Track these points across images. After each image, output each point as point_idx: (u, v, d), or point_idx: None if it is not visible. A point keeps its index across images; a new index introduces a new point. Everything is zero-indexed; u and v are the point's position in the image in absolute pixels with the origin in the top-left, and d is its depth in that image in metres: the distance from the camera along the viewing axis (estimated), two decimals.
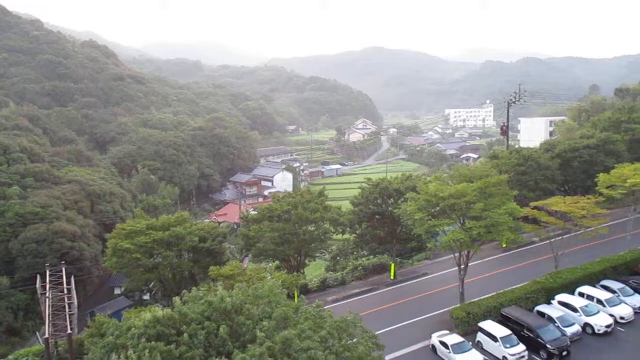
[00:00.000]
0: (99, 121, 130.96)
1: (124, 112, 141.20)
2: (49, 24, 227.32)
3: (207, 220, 73.33)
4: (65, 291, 29.77)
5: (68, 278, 31.92)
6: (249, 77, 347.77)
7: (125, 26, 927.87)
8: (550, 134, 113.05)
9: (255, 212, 44.27)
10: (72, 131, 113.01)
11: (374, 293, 39.32)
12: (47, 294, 29.05)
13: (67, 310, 27.50)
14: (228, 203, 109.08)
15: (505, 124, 68.57)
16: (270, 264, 45.11)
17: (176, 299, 19.25)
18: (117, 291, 59.61)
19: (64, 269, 33.10)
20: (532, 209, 36.82)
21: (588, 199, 36.31)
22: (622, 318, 29.68)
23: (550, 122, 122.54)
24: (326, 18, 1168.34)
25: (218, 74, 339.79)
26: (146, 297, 51.73)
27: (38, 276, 32.57)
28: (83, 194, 66.51)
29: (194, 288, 20.86)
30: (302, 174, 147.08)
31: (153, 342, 16.31)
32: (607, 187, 39.46)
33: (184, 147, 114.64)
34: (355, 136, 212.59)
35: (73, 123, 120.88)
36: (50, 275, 31.88)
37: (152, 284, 45.95)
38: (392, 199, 42.16)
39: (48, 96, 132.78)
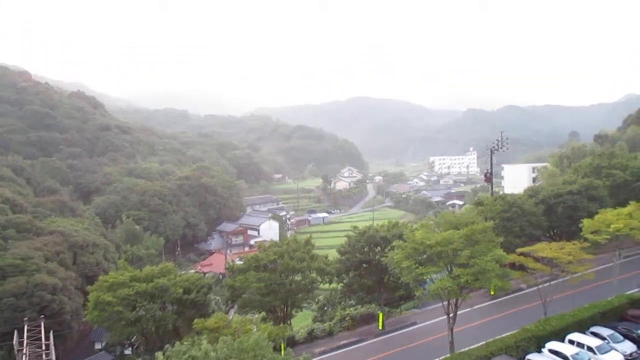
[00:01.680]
0: (84, 171, 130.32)
1: (109, 162, 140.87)
2: (37, 75, 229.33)
3: (192, 271, 72.19)
4: (44, 347, 28.82)
5: (47, 333, 30.98)
6: (236, 126, 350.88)
7: (113, 77, 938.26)
8: (534, 180, 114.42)
9: (241, 262, 43.71)
10: (56, 181, 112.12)
11: (362, 344, 38.52)
12: (24, 350, 28.09)
13: None
14: (214, 253, 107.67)
15: (489, 171, 69.32)
16: (257, 315, 44.18)
17: (158, 355, 18.68)
18: (98, 346, 57.72)
19: (42, 324, 32.13)
20: (519, 255, 36.81)
21: (573, 244, 36.45)
22: None
23: (533, 168, 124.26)
24: (313, 68, 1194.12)
25: (205, 124, 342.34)
26: (128, 351, 50.11)
27: (16, 331, 31.55)
28: (65, 245, 65.26)
29: (177, 342, 20.29)
30: (289, 222, 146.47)
31: None
32: (592, 233, 39.76)
33: (170, 197, 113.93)
34: (341, 184, 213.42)
35: (57, 173, 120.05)
36: (28, 330, 30.92)
37: (135, 337, 44.58)
38: (379, 247, 41.95)
39: (33, 146, 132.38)
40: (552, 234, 56.04)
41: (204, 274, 71.05)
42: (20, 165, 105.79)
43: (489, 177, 70.89)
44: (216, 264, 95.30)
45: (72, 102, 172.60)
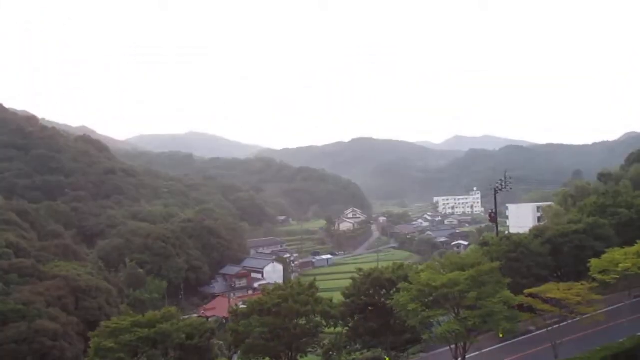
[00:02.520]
0: (88, 214, 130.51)
1: (114, 205, 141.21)
2: (45, 119, 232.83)
3: (195, 315, 71.12)
4: None
5: None
6: (240, 168, 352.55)
7: (119, 121, 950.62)
8: (539, 219, 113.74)
9: (245, 306, 43.10)
10: (60, 225, 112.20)
11: None
12: None
13: None
14: (217, 296, 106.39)
15: (494, 210, 69.11)
16: None
17: None
18: None
19: None
20: (527, 296, 36.26)
21: (582, 284, 35.92)
22: None
23: (538, 207, 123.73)
24: (316, 111, 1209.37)
25: (209, 166, 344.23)
26: None
27: None
28: (68, 289, 64.74)
29: None
30: (293, 265, 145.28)
31: None
32: (600, 272, 39.21)
33: (173, 240, 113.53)
34: (345, 226, 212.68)
35: (62, 217, 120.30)
36: None
37: None
38: (384, 290, 41.44)
39: (39, 190, 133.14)
40: (559, 274, 55.30)
41: (207, 318, 70.00)
42: (25, 209, 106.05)
43: (493, 217, 70.57)
44: (220, 308, 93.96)
45: (78, 146, 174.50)
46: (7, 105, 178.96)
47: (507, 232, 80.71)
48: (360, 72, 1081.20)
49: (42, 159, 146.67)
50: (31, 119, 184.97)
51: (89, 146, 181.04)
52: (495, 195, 67.87)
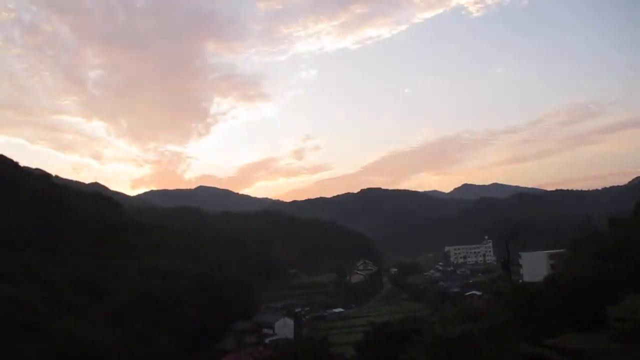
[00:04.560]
0: (96, 270, 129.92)
1: (123, 261, 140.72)
2: (58, 177, 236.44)
3: None
4: None
5: None
6: (249, 222, 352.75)
7: (131, 177, 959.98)
8: (552, 267, 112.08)
9: None
10: (68, 281, 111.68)
11: None
12: None
13: None
14: (228, 353, 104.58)
15: (506, 259, 68.49)
16: None
17: None
18: None
19: None
20: (544, 347, 35.47)
21: (600, 333, 35.14)
22: None
23: (550, 255, 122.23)
24: (323, 163, 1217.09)
25: (219, 220, 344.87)
26: None
27: None
28: (73, 345, 64.13)
29: None
30: (304, 319, 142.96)
31: None
32: (618, 320, 38.39)
33: (182, 295, 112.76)
34: (356, 277, 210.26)
35: (70, 273, 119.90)
36: None
37: None
38: (397, 343, 40.69)
39: (48, 247, 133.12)
40: (576, 322, 54.12)
41: None
42: (33, 265, 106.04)
43: (506, 266, 69.81)
44: None
45: (90, 202, 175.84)
46: (22, 163, 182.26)
47: (520, 281, 79.57)
48: (365, 122, 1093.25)
49: (53, 217, 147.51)
50: (44, 177, 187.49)
51: (100, 202, 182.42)
52: (506, 244, 67.49)
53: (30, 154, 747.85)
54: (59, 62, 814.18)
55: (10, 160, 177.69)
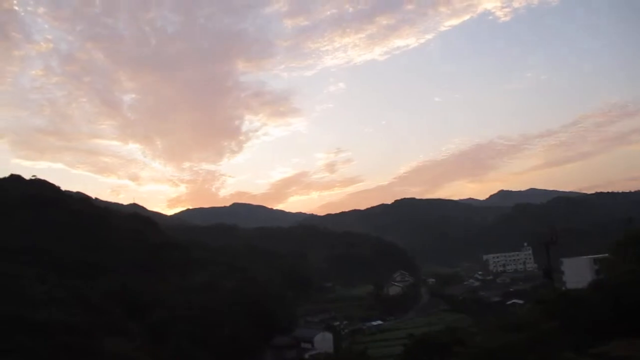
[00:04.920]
0: (136, 289, 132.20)
1: (161, 279, 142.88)
2: (98, 199, 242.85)
3: None
4: None
5: None
6: (284, 236, 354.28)
7: (167, 197, 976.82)
8: (596, 272, 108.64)
9: None
10: (110, 300, 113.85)
11: None
12: None
13: None
14: None
15: (548, 266, 66.69)
16: None
17: None
18: None
19: None
20: (591, 356, 34.17)
21: None
22: None
23: (594, 260, 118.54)
24: (356, 175, 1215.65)
25: (253, 236, 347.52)
26: None
27: None
28: None
29: None
30: (343, 332, 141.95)
31: None
32: None
33: (220, 311, 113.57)
34: (393, 289, 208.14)
35: (111, 292, 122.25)
36: None
37: None
38: (437, 355, 39.93)
39: (89, 267, 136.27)
40: (624, 329, 52.08)
41: None
42: (76, 287, 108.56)
43: (548, 273, 67.95)
44: None
45: (128, 223, 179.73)
46: (63, 187, 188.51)
47: (564, 288, 77.31)
48: (396, 133, 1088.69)
49: (93, 238, 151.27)
50: (84, 200, 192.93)
51: (138, 223, 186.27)
52: (547, 250, 65.71)
53: (71, 178, 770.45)
54: (95, 88, 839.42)
55: (53, 185, 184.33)
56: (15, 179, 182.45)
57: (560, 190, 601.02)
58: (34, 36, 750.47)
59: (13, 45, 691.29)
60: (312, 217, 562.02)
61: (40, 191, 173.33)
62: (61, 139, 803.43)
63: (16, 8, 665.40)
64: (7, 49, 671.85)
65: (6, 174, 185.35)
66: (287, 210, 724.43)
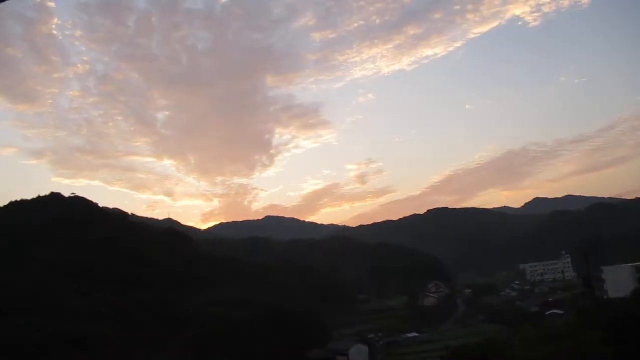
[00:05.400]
0: (172, 304, 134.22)
1: (196, 294, 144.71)
2: (134, 215, 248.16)
3: None
4: None
5: None
6: (317, 249, 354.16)
7: (201, 212, 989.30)
8: (639, 281, 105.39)
9: None
10: (147, 315, 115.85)
11: None
12: None
13: None
14: None
15: (587, 275, 64.98)
16: None
17: None
18: None
19: None
20: None
21: None
22: None
23: (637, 268, 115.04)
24: (388, 186, 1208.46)
25: (287, 249, 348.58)
26: None
27: None
28: None
29: None
30: (378, 345, 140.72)
31: None
32: None
33: (254, 325, 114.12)
34: (428, 300, 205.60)
35: (148, 307, 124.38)
36: None
37: None
38: None
39: (127, 282, 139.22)
40: None
41: None
42: (115, 301, 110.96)
43: (588, 283, 66.15)
44: None
45: (164, 238, 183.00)
46: (101, 204, 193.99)
47: (605, 297, 75.20)
48: (427, 142, 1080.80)
49: (129, 253, 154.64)
50: (121, 216, 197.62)
51: (173, 238, 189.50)
52: (586, 258, 64.13)
53: (109, 194, 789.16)
54: (130, 106, 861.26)
55: (91, 202, 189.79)
56: (55, 196, 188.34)
57: (599, 196, 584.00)
58: (72, 59, 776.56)
59: (53, 68, 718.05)
60: (344, 229, 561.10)
61: (79, 208, 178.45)
62: (98, 157, 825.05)
63: (55, 32, 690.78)
64: (47, 72, 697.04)
65: (47, 192, 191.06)
66: (319, 222, 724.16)
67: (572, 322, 44.06)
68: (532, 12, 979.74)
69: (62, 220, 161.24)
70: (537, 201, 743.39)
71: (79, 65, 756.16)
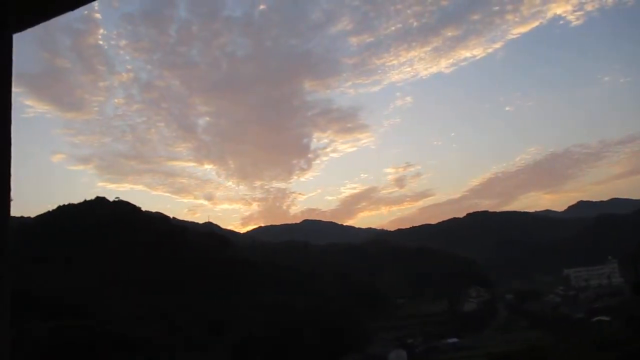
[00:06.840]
0: (212, 307, 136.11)
1: (236, 297, 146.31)
2: (175, 219, 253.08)
3: None
4: None
5: None
6: (355, 252, 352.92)
7: (241, 215, 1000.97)
8: None
9: None
10: (188, 318, 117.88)
11: None
12: None
13: None
14: None
15: (636, 281, 62.87)
16: None
17: None
18: None
19: None
20: None
21: None
22: None
23: None
24: (426, 189, 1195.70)
25: (324, 252, 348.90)
26: None
27: None
28: None
29: None
30: (417, 350, 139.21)
31: None
32: None
33: (293, 330, 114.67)
34: (468, 305, 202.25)
35: (188, 310, 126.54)
36: None
37: None
38: None
39: (168, 285, 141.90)
40: None
41: None
42: (157, 304, 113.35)
43: (637, 288, 63.98)
44: None
45: (203, 241, 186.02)
46: (144, 208, 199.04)
47: None
48: (466, 145, 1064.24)
49: (170, 256, 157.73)
50: (163, 220, 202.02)
51: (213, 241, 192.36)
52: (635, 263, 62.05)
53: (151, 199, 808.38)
54: (171, 113, 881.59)
55: (134, 206, 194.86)
56: (100, 201, 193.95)
57: None
58: (117, 67, 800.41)
59: (99, 77, 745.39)
60: (382, 233, 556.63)
61: (123, 212, 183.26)
62: (141, 162, 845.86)
63: (101, 42, 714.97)
64: (93, 80, 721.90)
65: (92, 197, 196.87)
66: (357, 226, 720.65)
67: (621, 329, 42.63)
68: (574, 11, 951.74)
69: (107, 224, 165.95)
70: (581, 204, 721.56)
71: (123, 73, 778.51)
